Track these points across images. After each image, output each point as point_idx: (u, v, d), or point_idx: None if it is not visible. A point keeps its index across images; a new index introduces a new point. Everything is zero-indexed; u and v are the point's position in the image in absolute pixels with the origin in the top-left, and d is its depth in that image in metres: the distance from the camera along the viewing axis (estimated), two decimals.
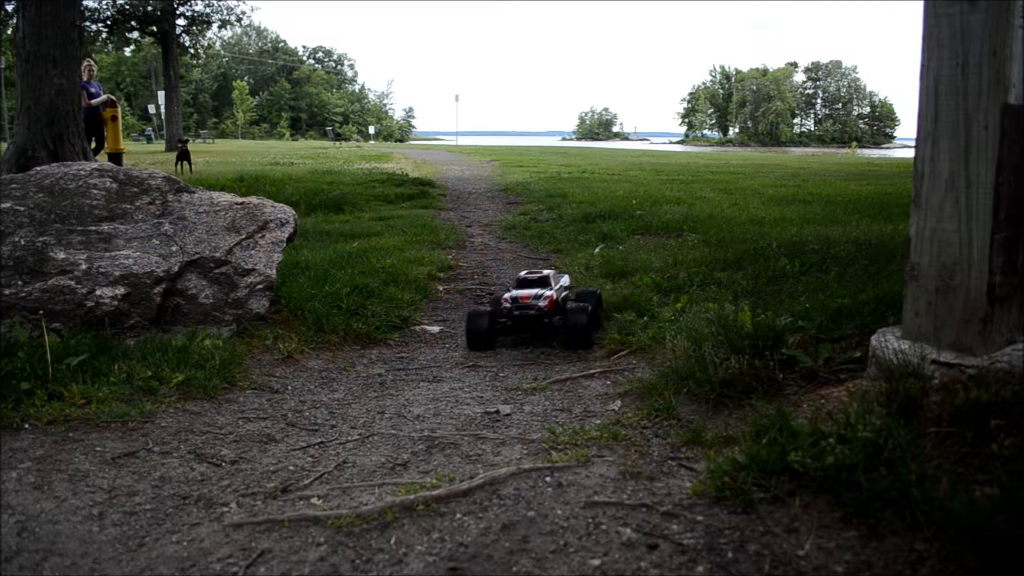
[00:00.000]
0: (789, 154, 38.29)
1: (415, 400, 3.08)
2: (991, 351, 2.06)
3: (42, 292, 3.25)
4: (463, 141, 57.82)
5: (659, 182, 12.38)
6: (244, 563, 1.72)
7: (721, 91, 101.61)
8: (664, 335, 3.38)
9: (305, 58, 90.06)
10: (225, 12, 35.60)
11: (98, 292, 3.31)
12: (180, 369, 2.98)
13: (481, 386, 3.30)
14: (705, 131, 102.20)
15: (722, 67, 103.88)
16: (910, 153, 2.94)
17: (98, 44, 34.78)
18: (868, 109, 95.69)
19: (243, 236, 3.86)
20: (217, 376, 3.04)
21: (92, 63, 11.44)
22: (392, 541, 1.80)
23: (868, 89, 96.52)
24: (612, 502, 1.91)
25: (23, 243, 3.41)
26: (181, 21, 34.04)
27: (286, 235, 4.04)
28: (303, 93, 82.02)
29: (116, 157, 10.95)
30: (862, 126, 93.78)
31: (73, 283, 3.30)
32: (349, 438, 2.61)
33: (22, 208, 3.61)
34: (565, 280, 4.36)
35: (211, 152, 24.18)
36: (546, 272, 4.22)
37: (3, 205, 3.59)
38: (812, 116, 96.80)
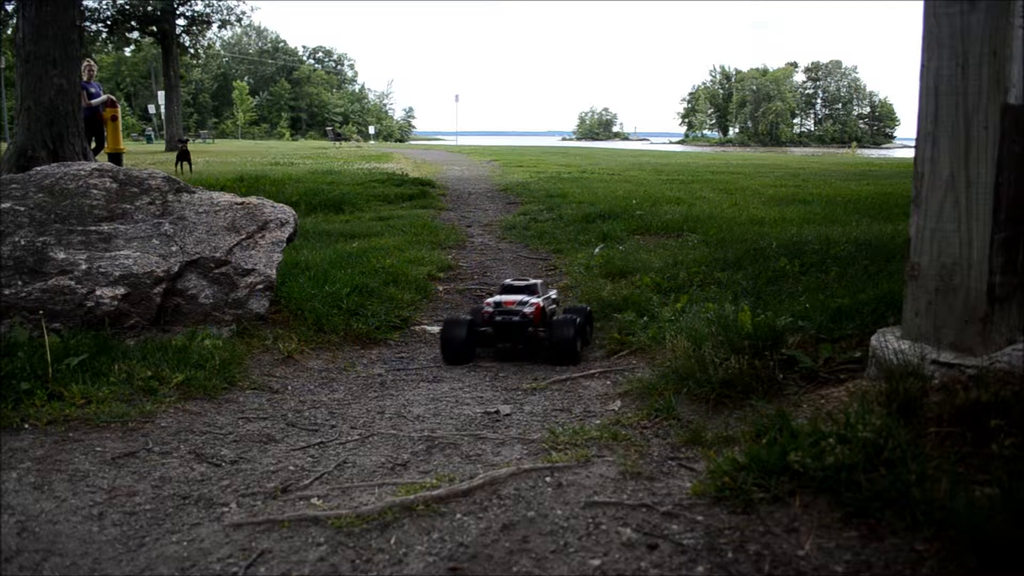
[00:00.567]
0: (789, 154, 38.28)
1: (415, 400, 3.08)
2: (991, 351, 2.06)
3: (42, 292, 3.25)
4: (463, 141, 57.83)
5: (659, 182, 12.38)
6: (244, 563, 1.72)
7: (721, 91, 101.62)
8: (664, 335, 3.38)
9: (305, 58, 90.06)
10: (225, 12, 35.62)
11: (98, 292, 3.31)
12: (180, 369, 2.98)
13: (481, 386, 3.30)
14: (705, 131, 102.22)
15: (722, 67, 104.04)
16: (910, 153, 2.94)
17: (98, 44, 34.79)
18: (868, 109, 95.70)
19: (243, 236, 3.86)
20: (217, 376, 3.04)
21: (92, 63, 11.43)
22: (392, 541, 1.80)
23: (868, 89, 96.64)
24: (612, 502, 1.91)
25: (23, 243, 3.41)
26: (181, 21, 34.04)
27: (286, 235, 4.04)
28: (303, 93, 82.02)
29: (116, 157, 10.94)
30: (862, 126, 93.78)
31: (73, 283, 3.31)
32: (349, 438, 2.61)
33: (22, 208, 3.61)
34: (553, 293, 4.14)
35: (211, 152, 24.18)
36: (534, 280, 3.97)
37: (3, 205, 3.59)
38: (812, 116, 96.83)
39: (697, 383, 2.66)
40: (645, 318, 3.80)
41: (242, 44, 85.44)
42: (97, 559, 1.77)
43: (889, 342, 2.24)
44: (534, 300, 3.73)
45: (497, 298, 3.78)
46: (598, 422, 2.65)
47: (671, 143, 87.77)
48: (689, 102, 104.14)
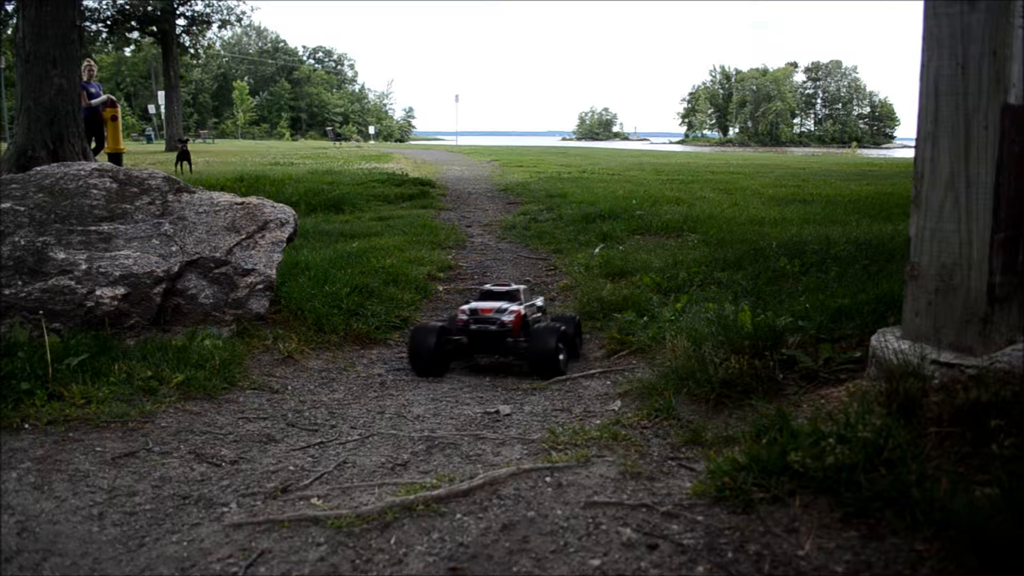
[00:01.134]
0: (789, 154, 38.28)
1: (415, 400, 3.08)
2: (991, 351, 2.06)
3: (42, 292, 3.25)
4: (463, 141, 57.81)
5: (659, 182, 12.37)
6: (244, 563, 1.72)
7: (721, 91, 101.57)
8: (664, 335, 3.38)
9: (305, 58, 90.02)
10: (225, 12, 35.62)
11: (98, 292, 3.31)
12: (180, 369, 2.98)
13: (481, 386, 3.30)
14: (705, 131, 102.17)
15: (722, 67, 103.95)
16: (910, 153, 2.94)
17: (98, 44, 34.77)
18: (868, 109, 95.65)
19: (243, 236, 3.86)
20: (217, 376, 3.04)
21: (92, 63, 11.44)
22: (392, 541, 1.80)
23: (868, 89, 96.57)
24: (612, 502, 1.91)
25: (23, 243, 3.41)
26: (181, 21, 34.03)
27: (286, 235, 4.04)
28: (303, 93, 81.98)
29: (116, 157, 10.95)
30: (862, 126, 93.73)
31: (73, 283, 3.30)
32: (349, 438, 2.61)
33: (22, 208, 3.61)
34: (539, 301, 3.80)
35: (211, 152, 24.18)
36: (517, 286, 3.64)
37: (3, 205, 3.59)
38: (812, 116, 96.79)
39: (697, 383, 2.66)
40: (645, 318, 3.80)
41: (242, 44, 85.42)
42: (97, 559, 1.77)
43: (889, 342, 2.24)
44: (514, 307, 3.42)
45: (473, 304, 3.48)
46: (598, 422, 2.65)
47: (671, 143, 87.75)
48: (689, 102, 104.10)
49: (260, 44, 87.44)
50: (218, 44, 69.24)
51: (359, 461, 2.38)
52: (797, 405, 2.40)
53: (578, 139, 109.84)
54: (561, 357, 3.34)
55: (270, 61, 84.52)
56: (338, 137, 42.77)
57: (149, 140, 41.65)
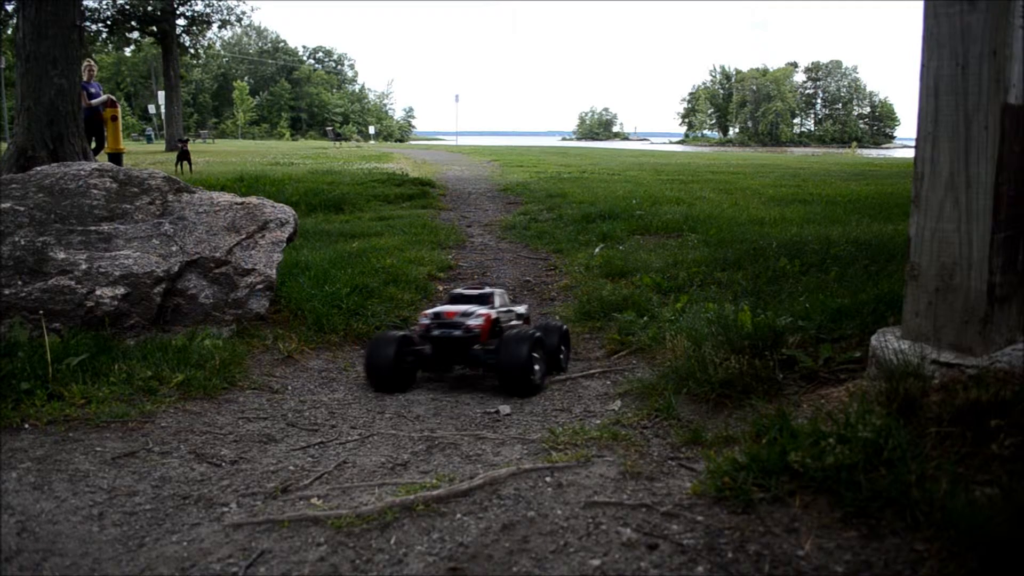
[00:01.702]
0: (789, 154, 38.27)
1: (415, 400, 3.08)
2: (991, 351, 2.06)
3: (42, 292, 3.25)
4: (463, 141, 57.83)
5: (659, 182, 12.37)
6: (244, 563, 1.72)
7: (721, 91, 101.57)
8: (664, 335, 3.38)
9: (305, 58, 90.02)
10: (225, 12, 35.62)
11: (98, 292, 3.31)
12: (180, 369, 2.98)
13: (481, 386, 3.30)
14: (705, 131, 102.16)
15: (722, 67, 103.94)
16: (910, 153, 2.94)
17: (98, 44, 34.78)
18: (868, 109, 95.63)
19: (243, 236, 3.86)
20: (217, 376, 3.04)
21: (92, 63, 11.43)
22: (392, 541, 1.80)
23: (868, 89, 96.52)
24: (612, 502, 1.91)
25: (23, 243, 3.41)
26: (181, 21, 34.03)
27: (286, 235, 4.04)
28: (303, 93, 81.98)
29: (116, 157, 10.94)
30: (862, 126, 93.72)
31: (73, 283, 3.30)
32: (349, 438, 2.61)
33: (22, 208, 3.60)
34: (521, 308, 3.47)
35: (211, 152, 24.18)
36: (491, 290, 3.27)
37: (3, 205, 3.59)
38: (812, 116, 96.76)
39: (697, 383, 2.66)
40: (645, 318, 3.81)
41: (242, 44, 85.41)
42: (97, 559, 1.77)
43: (889, 342, 2.24)
44: (482, 311, 3.04)
45: (438, 308, 3.12)
46: (598, 422, 2.65)
47: (671, 143, 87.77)
48: (689, 102, 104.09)
49: (260, 44, 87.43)
50: (218, 44, 69.37)
51: (359, 461, 2.38)
52: (797, 405, 2.40)
53: (578, 139, 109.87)
54: (536, 368, 2.95)
55: (270, 61, 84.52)
56: (338, 137, 42.75)
57: (149, 140, 41.67)
